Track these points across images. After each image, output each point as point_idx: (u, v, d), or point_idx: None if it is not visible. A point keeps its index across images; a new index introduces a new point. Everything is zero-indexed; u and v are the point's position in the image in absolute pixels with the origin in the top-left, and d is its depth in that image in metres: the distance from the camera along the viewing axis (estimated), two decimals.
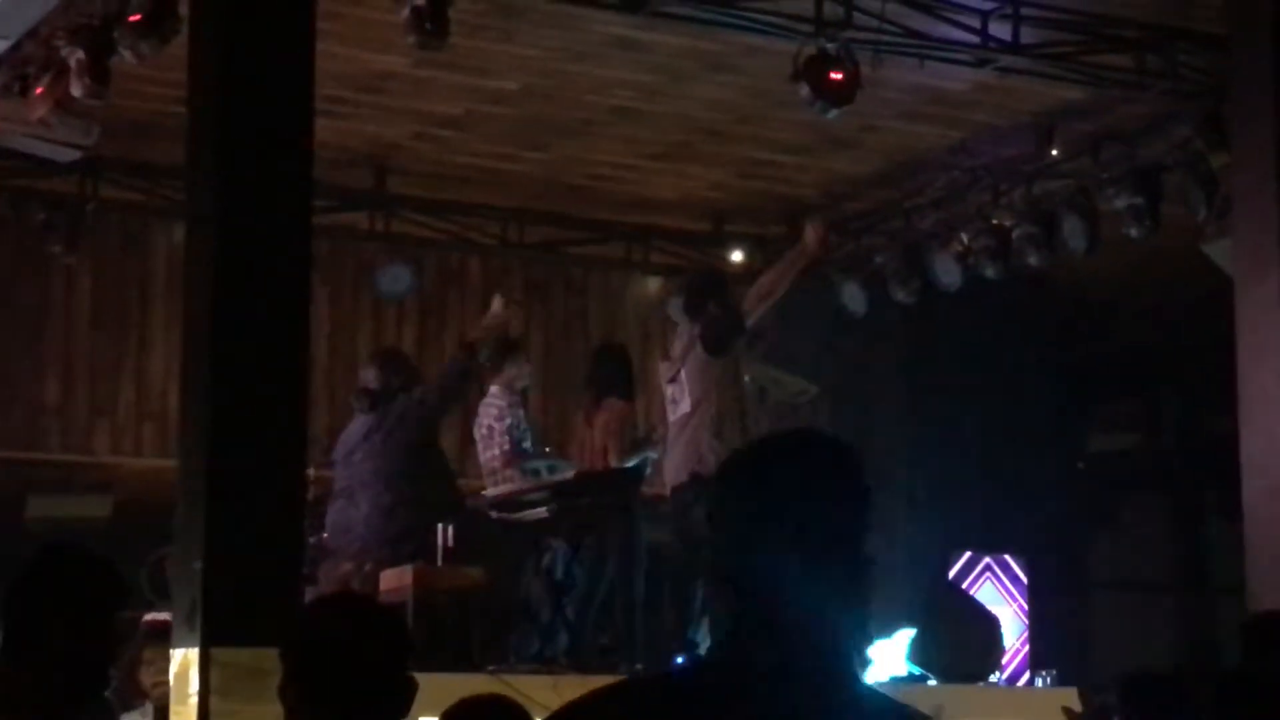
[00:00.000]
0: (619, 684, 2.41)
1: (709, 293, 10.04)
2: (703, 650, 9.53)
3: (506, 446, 10.18)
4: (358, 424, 9.73)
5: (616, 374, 10.37)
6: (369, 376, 9.86)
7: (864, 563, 2.28)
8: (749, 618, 2.27)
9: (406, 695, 3.30)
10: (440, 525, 9.04)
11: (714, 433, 9.57)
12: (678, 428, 9.77)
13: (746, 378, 9.86)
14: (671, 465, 9.80)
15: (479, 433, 10.37)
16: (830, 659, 2.28)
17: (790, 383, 11.05)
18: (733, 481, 2.33)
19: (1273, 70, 8.85)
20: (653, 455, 10.11)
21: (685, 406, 9.72)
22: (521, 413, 10.41)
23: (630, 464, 10.07)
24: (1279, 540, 8.51)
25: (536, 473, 10.23)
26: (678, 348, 9.87)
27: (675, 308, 10.27)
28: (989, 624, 10.77)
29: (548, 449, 10.56)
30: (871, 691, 2.38)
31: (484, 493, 10.16)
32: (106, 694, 4.73)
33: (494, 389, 10.41)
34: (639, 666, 9.22)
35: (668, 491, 9.82)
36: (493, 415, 10.27)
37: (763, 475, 2.29)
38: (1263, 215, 8.88)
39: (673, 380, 9.81)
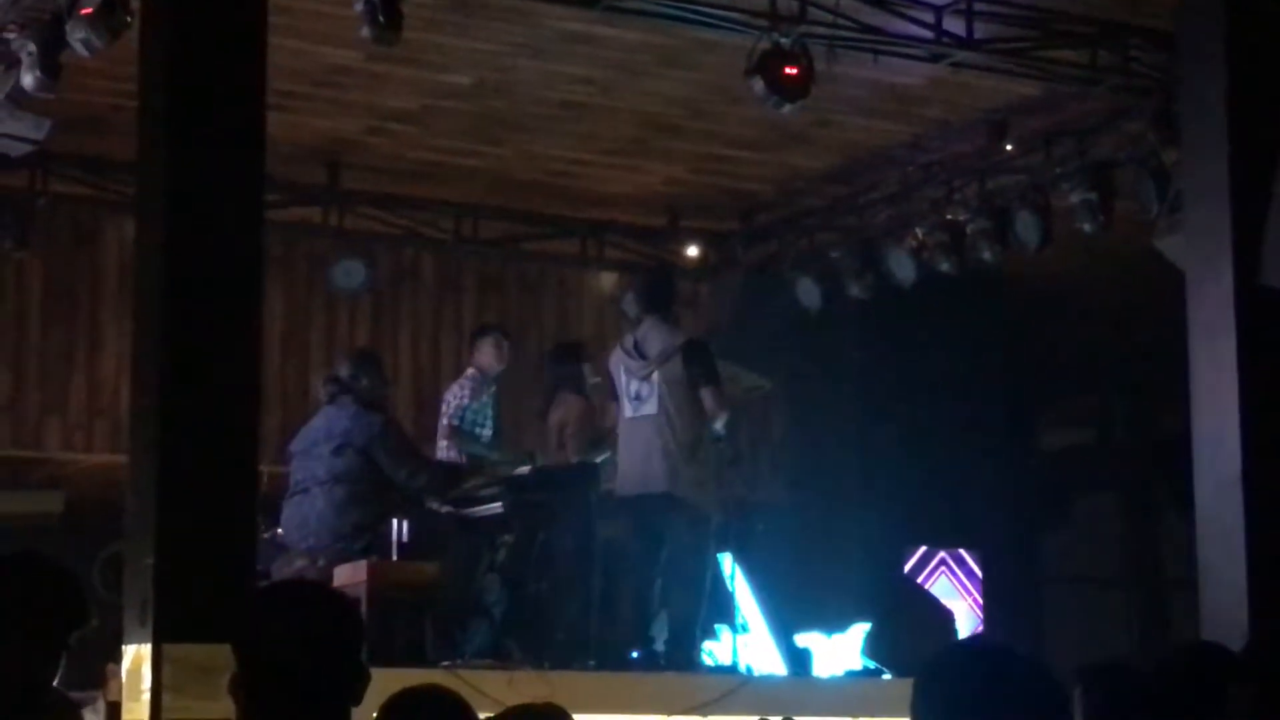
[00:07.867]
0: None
1: (664, 290, 10.04)
2: (659, 645, 9.49)
3: (456, 422, 10.44)
4: (320, 418, 9.62)
5: (570, 371, 10.44)
6: (342, 369, 9.83)
7: None
8: None
9: (360, 684, 3.26)
10: (395, 520, 9.01)
11: (688, 457, 9.49)
12: (639, 426, 9.63)
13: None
14: (633, 468, 9.64)
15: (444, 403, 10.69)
16: None
17: (745, 378, 11.02)
18: (952, 685, 2.81)
19: (1224, 67, 8.89)
20: (608, 456, 10.08)
21: (651, 408, 9.60)
22: (487, 400, 10.50)
23: (592, 459, 10.05)
24: (1230, 534, 8.56)
25: (480, 459, 10.27)
26: (655, 348, 9.71)
27: (630, 303, 10.23)
28: (944, 618, 10.80)
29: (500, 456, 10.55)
30: None
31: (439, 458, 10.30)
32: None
33: (470, 370, 10.74)
34: (591, 662, 9.21)
35: (622, 487, 9.75)
36: (454, 392, 10.63)
37: (975, 684, 2.80)
38: (1215, 211, 8.91)
39: (644, 378, 9.68)
